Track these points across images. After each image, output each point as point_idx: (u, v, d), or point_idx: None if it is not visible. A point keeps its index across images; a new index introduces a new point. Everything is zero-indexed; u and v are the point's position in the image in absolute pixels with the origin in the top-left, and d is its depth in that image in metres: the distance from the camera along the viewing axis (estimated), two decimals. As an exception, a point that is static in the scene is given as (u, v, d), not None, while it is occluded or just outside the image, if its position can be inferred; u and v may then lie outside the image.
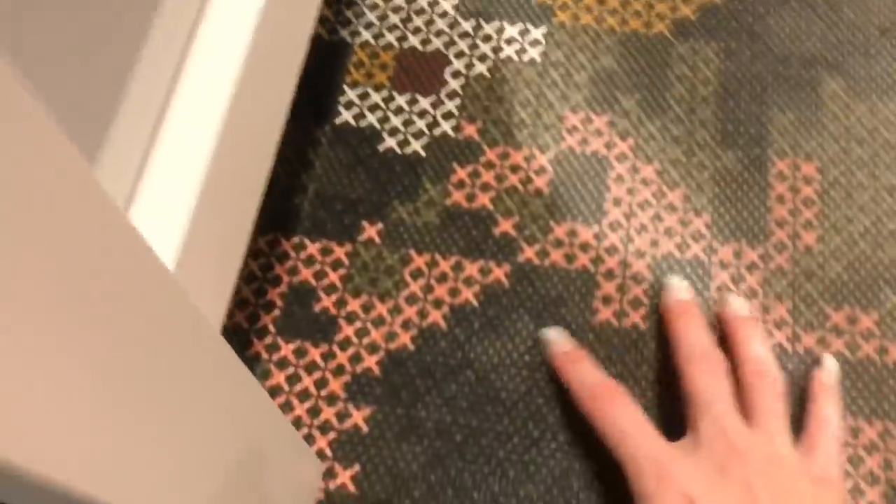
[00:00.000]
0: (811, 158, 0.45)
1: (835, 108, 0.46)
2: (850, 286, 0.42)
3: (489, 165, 0.46)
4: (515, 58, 0.49)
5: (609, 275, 0.43)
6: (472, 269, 0.44)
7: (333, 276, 0.44)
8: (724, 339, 0.39)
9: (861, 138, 0.45)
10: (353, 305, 0.43)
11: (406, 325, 0.43)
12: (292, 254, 0.44)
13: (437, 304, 0.43)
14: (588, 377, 0.38)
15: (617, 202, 0.45)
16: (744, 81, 0.47)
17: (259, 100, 0.35)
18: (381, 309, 0.43)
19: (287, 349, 0.42)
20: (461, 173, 0.46)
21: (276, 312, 0.43)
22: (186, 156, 0.30)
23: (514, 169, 0.46)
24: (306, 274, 0.44)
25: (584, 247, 0.44)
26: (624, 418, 0.36)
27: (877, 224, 0.43)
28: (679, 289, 0.41)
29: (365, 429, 0.41)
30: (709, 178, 0.45)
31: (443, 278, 0.44)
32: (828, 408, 0.37)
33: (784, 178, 0.45)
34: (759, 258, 0.43)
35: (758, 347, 0.37)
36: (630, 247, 0.44)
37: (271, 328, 0.43)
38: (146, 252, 0.19)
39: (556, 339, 0.41)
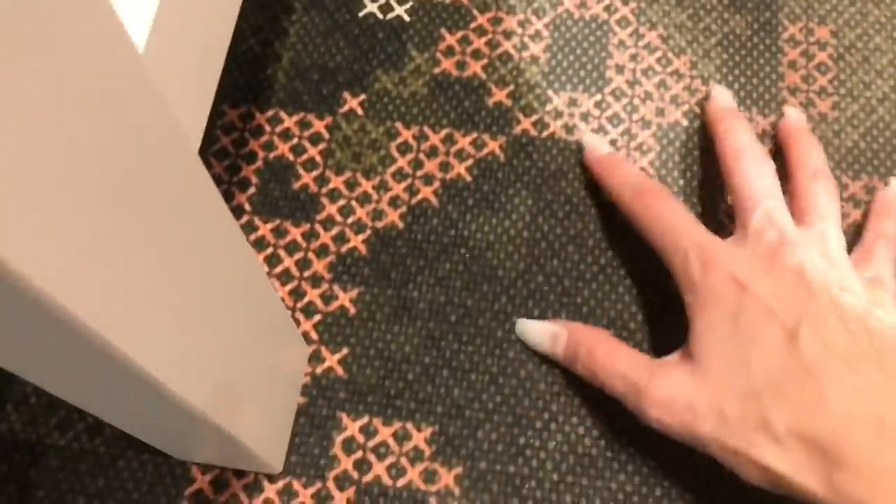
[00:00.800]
0: (825, 22, 0.42)
1: None
2: (867, 154, 0.39)
3: (480, 31, 0.42)
4: (506, -83, 0.44)
5: (613, 146, 0.40)
6: (464, 142, 0.40)
7: (313, 151, 0.40)
8: (780, 150, 0.37)
9: (878, 0, 0.42)
10: (336, 182, 0.40)
11: (394, 202, 0.39)
12: (267, 127, 0.41)
13: (428, 179, 0.40)
14: (630, 177, 0.36)
15: (619, 69, 0.41)
16: (754, -60, 0.44)
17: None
18: (367, 186, 0.40)
19: (265, 229, 0.39)
20: (450, 40, 0.42)
21: (252, 190, 0.40)
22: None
23: (508, 35, 0.42)
24: (283, 149, 0.40)
25: (585, 116, 0.41)
26: (669, 211, 0.34)
27: (895, 89, 0.41)
28: (722, 96, 0.38)
29: (353, 310, 0.37)
30: (716, 43, 0.42)
31: (433, 152, 0.40)
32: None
33: (796, 42, 0.42)
34: (772, 127, 0.40)
35: (815, 154, 0.35)
36: (634, 116, 0.41)
37: (247, 207, 0.39)
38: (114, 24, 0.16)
39: (592, 143, 0.39)
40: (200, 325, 0.23)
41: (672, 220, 0.33)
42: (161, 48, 0.26)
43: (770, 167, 0.34)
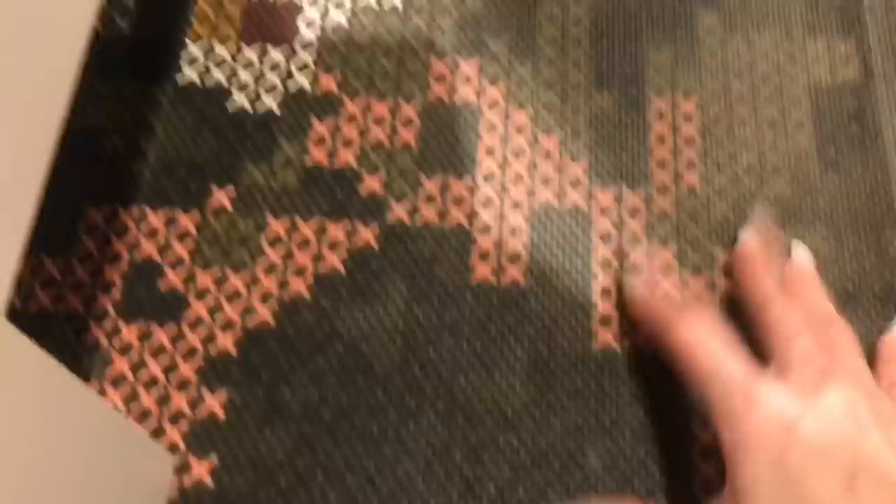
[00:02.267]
0: (690, 95, 0.43)
1: (711, 43, 0.44)
2: (736, 225, 0.40)
3: (351, 119, 0.42)
4: (375, 6, 0.45)
5: (485, 230, 0.40)
6: (336, 231, 0.40)
7: (180, 249, 0.39)
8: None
9: (739, 72, 0.43)
10: (204, 280, 0.39)
11: (265, 298, 0.38)
12: (132, 227, 0.40)
13: (300, 272, 0.39)
14: (668, 303, 0.36)
15: (490, 151, 0.42)
16: (616, 19, 0.45)
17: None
18: (236, 282, 0.39)
19: (130, 333, 0.37)
20: (320, 129, 0.42)
21: (116, 294, 0.38)
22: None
23: (379, 122, 0.42)
24: (149, 248, 0.39)
25: (458, 201, 0.40)
26: (708, 338, 0.33)
27: (760, 159, 0.41)
28: (745, 239, 0.38)
29: (222, 415, 0.36)
30: (585, 121, 0.42)
31: (305, 244, 0.39)
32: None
33: (663, 116, 0.42)
34: (642, 202, 0.40)
35: (824, 300, 0.35)
36: (506, 198, 0.40)
37: (111, 311, 0.38)
38: None
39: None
40: (41, 471, 0.22)
41: (710, 348, 0.32)
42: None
43: (799, 311, 0.34)
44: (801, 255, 0.38)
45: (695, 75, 0.43)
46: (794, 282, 0.36)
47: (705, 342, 0.33)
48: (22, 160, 0.28)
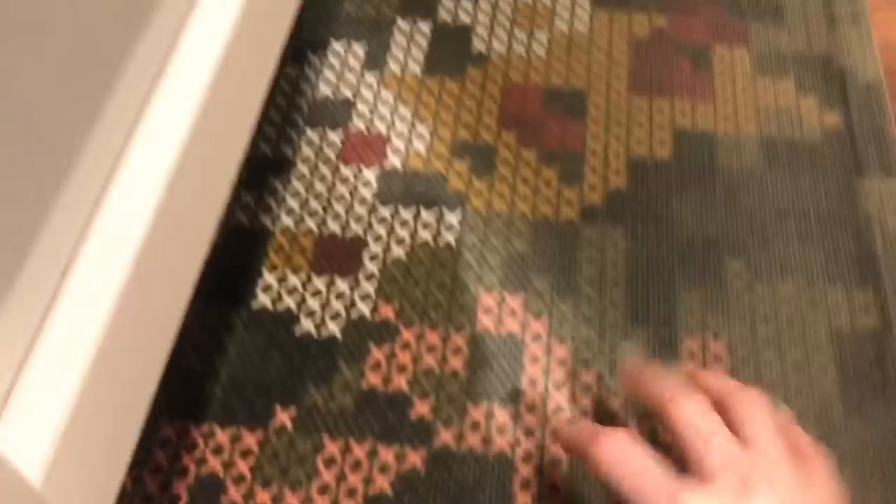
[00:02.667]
0: (719, 337, 0.46)
1: (738, 288, 0.48)
2: (765, 465, 0.42)
3: (405, 346, 0.46)
4: (431, 242, 0.50)
5: (526, 458, 0.42)
6: (387, 455, 0.43)
7: (242, 466, 0.42)
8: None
9: (765, 316, 0.47)
10: (263, 497, 0.41)
11: (318, 516, 0.41)
12: (201, 443, 0.43)
13: (351, 493, 0.42)
14: (585, 427, 0.36)
15: (532, 383, 0.45)
16: (651, 264, 0.49)
17: (158, 287, 0.35)
18: (292, 500, 0.41)
19: (190, 547, 0.40)
20: (377, 355, 0.46)
21: (181, 506, 0.41)
22: (71, 345, 0.30)
23: (431, 349, 0.46)
24: (214, 464, 0.42)
25: (501, 429, 0.43)
26: (630, 456, 0.34)
27: (786, 401, 0.44)
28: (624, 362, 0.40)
29: None
30: (622, 358, 0.46)
31: (357, 466, 0.42)
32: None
33: (694, 356, 0.46)
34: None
35: (725, 382, 0.36)
36: (547, 429, 0.43)
37: (174, 524, 0.41)
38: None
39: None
40: None
41: (630, 464, 0.33)
42: (64, 470, 0.29)
43: (705, 402, 0.35)
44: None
45: (724, 318, 0.47)
46: (696, 376, 0.37)
47: (624, 458, 0.34)
48: (135, 390, 0.32)
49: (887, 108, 0.55)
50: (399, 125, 0.55)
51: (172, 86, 0.36)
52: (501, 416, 0.44)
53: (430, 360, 0.46)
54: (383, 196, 0.52)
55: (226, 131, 0.40)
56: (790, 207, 0.51)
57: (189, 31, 0.37)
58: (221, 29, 0.38)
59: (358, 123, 0.55)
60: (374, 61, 0.58)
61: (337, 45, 0.59)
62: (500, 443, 0.43)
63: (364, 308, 0.47)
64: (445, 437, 0.43)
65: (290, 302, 0.48)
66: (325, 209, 0.51)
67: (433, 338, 0.46)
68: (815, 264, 0.49)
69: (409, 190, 0.52)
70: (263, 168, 0.53)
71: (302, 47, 0.59)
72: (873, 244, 0.49)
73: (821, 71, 0.57)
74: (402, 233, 0.50)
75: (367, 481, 0.42)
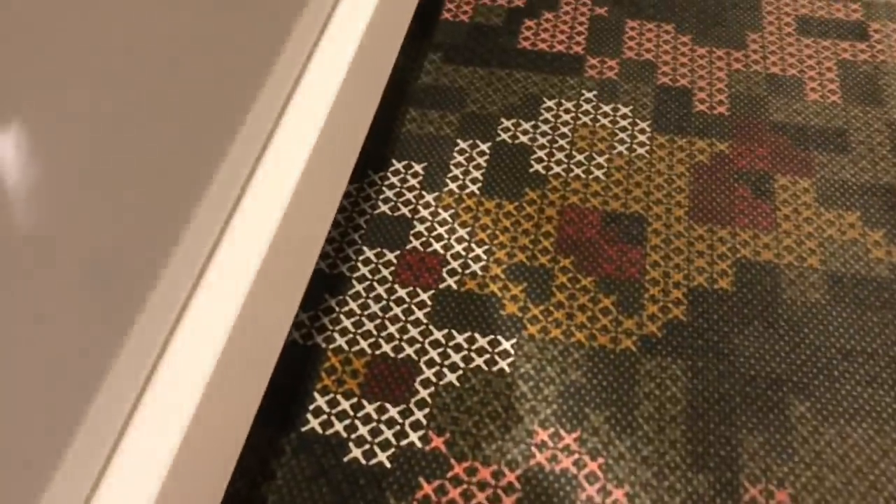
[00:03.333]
0: (783, 485, 0.44)
1: (804, 432, 0.46)
2: None
3: (456, 481, 0.45)
4: (485, 367, 0.49)
5: None
6: None
7: None
8: None
9: (833, 464, 0.45)
10: None
11: None
12: (243, 575, 0.42)
13: None
14: None
15: (587, 527, 0.43)
16: (712, 401, 0.47)
17: (226, 410, 0.34)
18: None
19: None
20: (427, 489, 0.45)
21: None
22: (143, 468, 0.29)
23: (482, 486, 0.45)
24: None
25: (553, 577, 0.42)
26: None
27: (858, 561, 0.42)
28: None
29: None
30: (680, 503, 0.44)
31: None
32: None
33: (758, 505, 0.44)
34: None
35: None
36: (601, 579, 0.41)
37: None
38: None
39: None
40: None
41: None
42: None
43: None
44: None
45: (788, 464, 0.45)
46: None
47: None
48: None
49: (959, 244, 0.54)
50: (456, 246, 0.55)
51: (250, 208, 0.37)
52: (554, 561, 0.42)
53: (481, 498, 0.44)
54: (437, 319, 0.51)
55: (298, 250, 0.40)
56: (857, 347, 0.49)
57: (270, 155, 0.38)
58: (300, 152, 0.39)
59: (415, 243, 0.55)
60: (433, 181, 0.59)
61: (397, 164, 0.60)
62: (552, 591, 0.41)
63: (414, 437, 0.46)
64: (495, 582, 0.41)
65: (339, 427, 0.47)
66: (378, 330, 0.51)
67: (485, 473, 0.45)
68: (886, 410, 0.47)
69: (464, 312, 0.52)
70: (319, 286, 0.53)
71: (363, 166, 0.60)
72: (948, 391, 0.47)
73: (888, 204, 0.56)
74: (456, 358, 0.50)
75: None
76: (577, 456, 0.46)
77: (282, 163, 0.38)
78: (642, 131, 0.62)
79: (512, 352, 0.50)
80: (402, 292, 0.53)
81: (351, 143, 0.47)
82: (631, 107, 0.63)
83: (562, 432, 0.46)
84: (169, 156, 0.31)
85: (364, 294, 0.53)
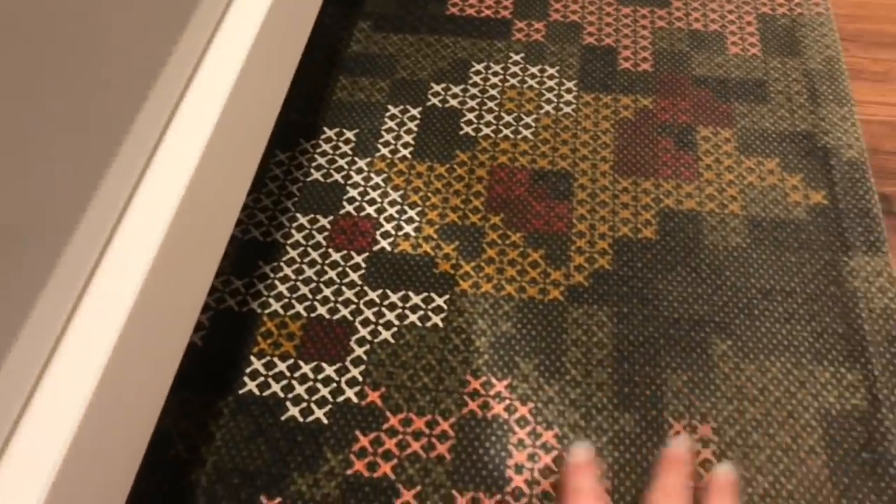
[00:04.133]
0: (706, 419, 0.46)
1: (725, 369, 0.48)
2: (755, 553, 0.41)
3: (392, 432, 0.46)
4: (419, 324, 0.50)
5: (512, 547, 0.42)
6: (371, 544, 0.42)
7: (226, 558, 0.42)
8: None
9: (753, 397, 0.47)
10: (245, 590, 0.41)
11: None
12: (185, 533, 0.43)
13: (335, 585, 0.41)
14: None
15: (518, 469, 0.45)
16: (637, 344, 0.49)
17: (139, 371, 0.35)
18: (275, 593, 0.41)
19: None
20: (363, 441, 0.46)
21: None
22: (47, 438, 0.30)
23: (417, 435, 0.46)
24: (197, 556, 0.42)
25: (487, 517, 0.43)
26: None
27: (775, 485, 0.44)
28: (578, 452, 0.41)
29: None
30: (608, 441, 0.45)
31: (341, 556, 0.42)
32: None
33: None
34: (663, 525, 0.42)
35: None
36: (532, 516, 0.43)
37: None
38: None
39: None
40: None
41: None
42: None
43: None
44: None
45: (711, 400, 0.47)
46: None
47: None
48: (112, 480, 0.32)
49: (870, 185, 0.56)
50: (389, 209, 0.56)
51: (159, 170, 0.37)
52: (488, 503, 0.43)
53: (416, 447, 0.45)
54: (372, 279, 0.52)
55: (211, 218, 0.41)
56: (776, 286, 0.51)
57: (178, 116, 0.39)
58: (206, 120, 0.39)
59: (348, 208, 0.56)
60: (365, 147, 0.60)
61: (329, 132, 0.61)
62: (486, 531, 0.43)
63: (351, 394, 0.48)
64: (430, 525, 0.43)
65: (276, 388, 0.48)
66: (313, 294, 0.52)
67: (420, 424, 0.46)
68: (802, 344, 0.49)
69: (398, 273, 0.53)
70: (253, 254, 0.54)
71: (293, 134, 0.60)
72: (860, 323, 0.49)
73: (805, 150, 0.58)
74: (390, 316, 0.51)
75: (351, 573, 0.41)
76: (507, 402, 0.47)
77: (183, 141, 0.39)
78: (569, 91, 0.63)
79: (445, 307, 0.51)
80: (336, 256, 0.54)
81: (261, 118, 0.47)
82: (557, 67, 0.65)
83: (493, 380, 0.48)
84: (74, 117, 0.32)
85: (298, 260, 0.53)
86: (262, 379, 0.48)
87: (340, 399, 0.47)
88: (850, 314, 0.50)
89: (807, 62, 0.64)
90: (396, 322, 0.50)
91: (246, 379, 0.48)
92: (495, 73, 0.64)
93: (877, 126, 0.60)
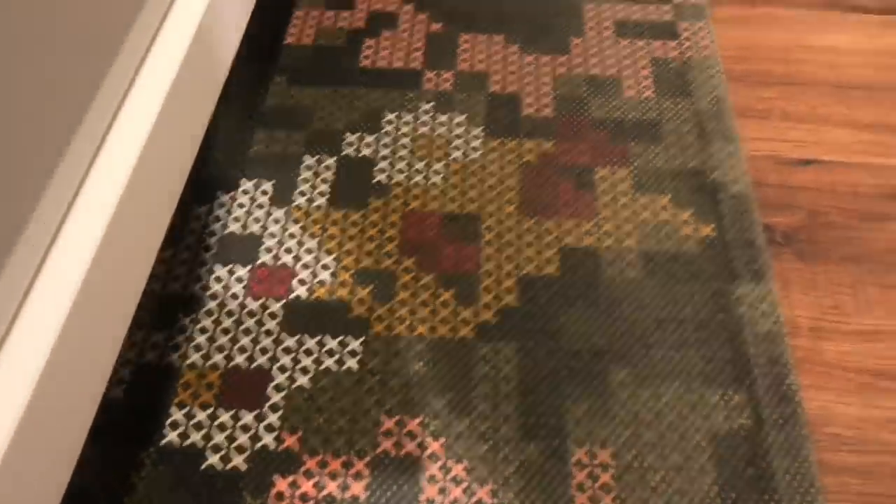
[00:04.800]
0: (605, 445, 0.49)
1: (623, 396, 0.51)
2: (650, 569, 0.44)
3: (309, 474, 0.48)
4: (335, 368, 0.53)
5: (425, 578, 0.44)
6: (290, 584, 0.44)
7: None
8: None
9: (648, 422, 0.50)
10: None
11: None
12: (107, 585, 0.44)
13: None
14: None
15: (430, 503, 0.47)
16: (541, 377, 0.52)
17: (52, 426, 0.37)
18: None
19: None
20: (281, 484, 0.48)
21: None
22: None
23: (333, 476, 0.48)
24: None
25: (400, 551, 0.45)
26: None
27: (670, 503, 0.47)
28: None
29: None
30: (514, 472, 0.48)
31: None
32: None
33: (583, 465, 0.48)
34: (566, 548, 0.45)
35: None
36: (443, 547, 0.45)
37: None
38: None
39: None
40: None
41: None
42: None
43: None
44: None
45: (610, 426, 0.50)
46: None
47: None
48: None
49: (755, 217, 0.60)
50: (305, 257, 0.58)
51: (69, 235, 0.39)
52: (401, 537, 0.46)
53: (332, 487, 0.48)
54: (289, 327, 0.54)
55: (121, 275, 0.43)
56: (669, 316, 0.55)
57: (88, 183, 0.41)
58: (115, 184, 0.41)
59: (265, 258, 0.58)
60: (282, 197, 0.62)
61: (247, 184, 0.63)
62: (400, 564, 0.45)
63: (269, 439, 0.49)
64: (347, 562, 0.45)
65: (196, 437, 0.49)
66: (232, 343, 0.54)
67: (336, 465, 0.48)
68: (693, 369, 0.52)
69: (315, 319, 0.55)
70: (173, 307, 0.56)
71: (212, 187, 0.63)
72: (746, 347, 0.53)
73: (695, 186, 0.63)
74: (307, 362, 0.53)
75: None
76: (419, 439, 0.49)
77: (87, 217, 0.41)
78: (476, 137, 0.66)
79: (360, 350, 0.53)
80: (253, 305, 0.56)
81: (169, 181, 0.50)
82: (466, 115, 0.68)
83: (406, 419, 0.50)
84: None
85: (217, 310, 0.55)
86: (182, 429, 0.50)
87: (258, 445, 0.49)
88: (736, 339, 0.54)
89: (696, 102, 0.68)
90: (313, 367, 0.53)
91: (167, 430, 0.50)
92: (407, 122, 0.68)
93: (761, 160, 0.65)
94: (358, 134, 0.67)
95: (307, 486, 0.48)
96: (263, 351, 0.53)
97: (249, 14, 0.61)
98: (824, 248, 0.58)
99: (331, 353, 0.53)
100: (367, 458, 0.49)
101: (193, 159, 0.51)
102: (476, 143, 0.66)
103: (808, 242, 0.59)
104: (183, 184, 0.50)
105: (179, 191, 0.49)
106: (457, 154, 0.65)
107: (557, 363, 0.53)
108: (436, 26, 0.76)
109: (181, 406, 0.51)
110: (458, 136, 0.66)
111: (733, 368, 0.52)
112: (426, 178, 0.64)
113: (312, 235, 0.60)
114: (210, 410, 0.51)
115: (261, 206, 0.61)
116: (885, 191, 0.62)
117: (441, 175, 0.64)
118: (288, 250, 0.59)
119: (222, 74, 0.55)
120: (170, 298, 0.56)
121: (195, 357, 0.53)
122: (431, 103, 0.69)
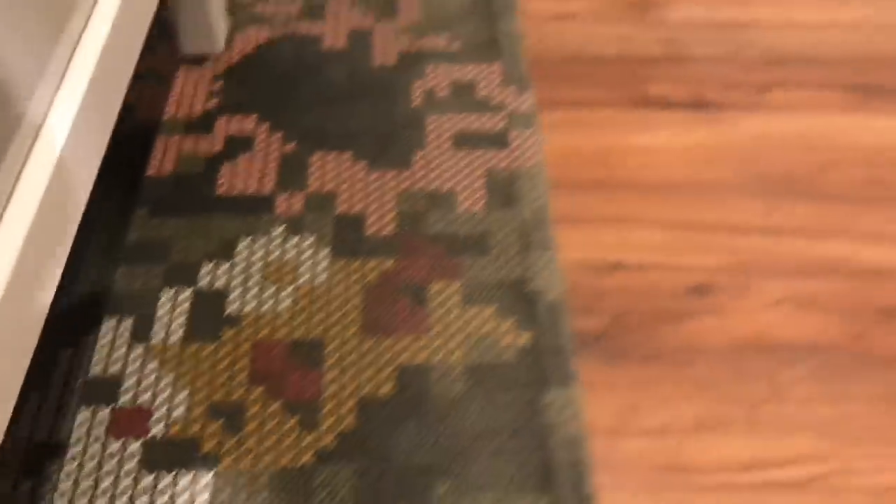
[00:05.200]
0: (428, 557, 0.56)
1: (445, 509, 0.58)
2: None
3: None
4: None
5: None
6: None
7: None
8: None
9: (466, 532, 0.57)
10: None
11: None
12: None
13: None
14: None
15: None
16: (374, 498, 0.59)
17: None
18: None
19: None
20: None
21: None
22: None
23: None
24: None
25: None
26: None
27: None
28: None
29: None
30: (347, 590, 0.55)
31: None
32: None
33: (407, 579, 0.55)
34: None
35: None
36: None
37: None
38: None
39: None
40: None
41: None
42: None
43: None
44: None
45: (432, 539, 0.57)
46: None
47: None
48: None
49: (566, 323, 0.68)
50: (161, 395, 0.64)
51: None
52: None
53: None
54: (147, 466, 0.60)
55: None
56: (489, 426, 0.62)
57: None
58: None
59: (125, 398, 0.64)
60: (142, 334, 0.67)
61: (109, 322, 0.68)
62: None
63: (127, 579, 0.55)
64: None
65: (60, 584, 0.55)
66: (95, 486, 0.59)
67: None
68: (507, 477, 0.60)
69: (170, 456, 0.61)
70: (39, 455, 0.61)
71: (76, 327, 0.68)
72: (552, 452, 0.61)
73: (517, 295, 0.70)
74: (161, 501, 0.58)
75: None
76: (262, 568, 0.56)
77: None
78: (325, 258, 0.73)
79: (211, 484, 0.59)
80: (115, 447, 0.61)
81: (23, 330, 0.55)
82: (314, 236, 0.75)
83: (250, 549, 0.56)
84: None
85: (80, 455, 0.61)
86: (46, 577, 0.55)
87: (117, 586, 0.55)
88: (545, 445, 0.61)
89: (521, 212, 0.76)
90: None
91: (31, 580, 0.55)
92: (260, 247, 0.74)
93: (575, 267, 0.73)
94: (214, 262, 0.72)
95: None
96: (124, 491, 0.59)
97: (102, 154, 0.66)
98: (625, 350, 0.66)
99: (184, 490, 0.59)
100: (216, 590, 0.55)
101: (50, 301, 0.56)
102: (324, 265, 0.72)
103: (611, 345, 0.67)
104: (40, 328, 0.55)
105: (37, 335, 0.54)
106: (305, 278, 0.71)
107: (388, 482, 0.59)
108: (289, 146, 0.82)
109: (45, 555, 0.56)
110: (307, 259, 0.73)
111: (542, 473, 0.60)
112: (276, 304, 0.70)
113: (169, 371, 0.65)
114: (72, 557, 0.56)
115: (121, 346, 0.67)
116: (678, 290, 0.70)
117: (291, 299, 0.70)
118: (145, 389, 0.64)
119: (78, 213, 0.60)
120: (36, 447, 0.61)
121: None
122: (283, 226, 0.75)
